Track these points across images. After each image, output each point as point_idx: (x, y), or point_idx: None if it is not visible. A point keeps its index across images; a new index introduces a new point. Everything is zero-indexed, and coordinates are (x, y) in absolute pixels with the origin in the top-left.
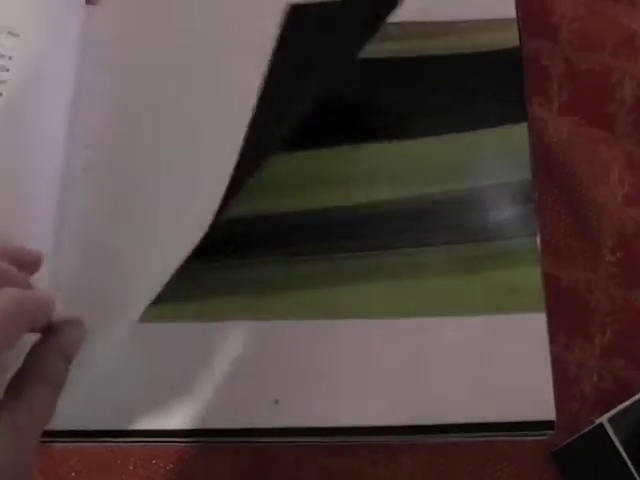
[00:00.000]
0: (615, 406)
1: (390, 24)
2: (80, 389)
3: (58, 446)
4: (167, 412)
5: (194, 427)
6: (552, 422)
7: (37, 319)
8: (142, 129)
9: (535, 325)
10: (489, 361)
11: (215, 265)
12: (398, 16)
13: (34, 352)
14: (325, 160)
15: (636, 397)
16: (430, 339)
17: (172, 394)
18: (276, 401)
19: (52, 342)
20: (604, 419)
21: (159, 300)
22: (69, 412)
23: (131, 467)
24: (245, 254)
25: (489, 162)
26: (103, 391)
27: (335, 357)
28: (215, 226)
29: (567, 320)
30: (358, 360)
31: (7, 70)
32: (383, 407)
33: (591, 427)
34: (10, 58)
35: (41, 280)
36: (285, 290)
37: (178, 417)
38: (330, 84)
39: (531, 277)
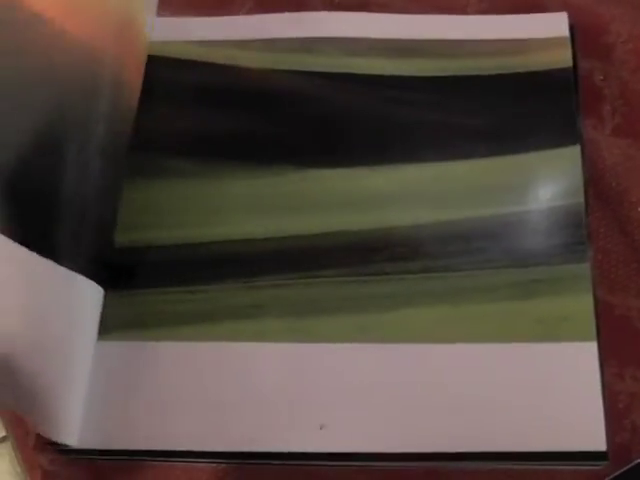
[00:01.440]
0: None
1: (439, 41)
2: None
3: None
4: (211, 434)
5: (237, 450)
6: (604, 453)
7: None
8: None
9: (586, 354)
10: (539, 389)
11: (271, 284)
12: (448, 34)
13: None
14: (381, 179)
15: None
16: (481, 366)
17: (216, 415)
18: (322, 426)
19: None
20: None
21: (214, 318)
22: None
23: None
24: (302, 272)
25: (540, 185)
26: (145, 411)
27: (384, 381)
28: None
29: (619, 348)
30: (407, 385)
31: None
32: (432, 433)
33: None
34: None
35: None
36: (336, 312)
37: (221, 439)
38: (377, 103)
39: (583, 304)
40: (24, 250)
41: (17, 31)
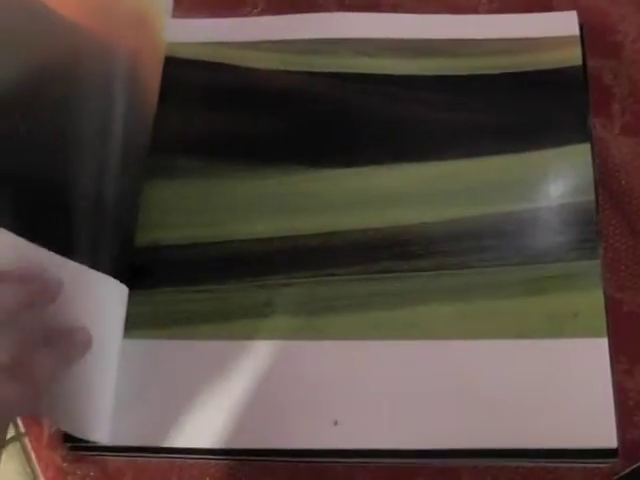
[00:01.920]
0: None
1: (450, 41)
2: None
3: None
4: (225, 431)
5: (250, 447)
6: (614, 450)
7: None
8: None
9: (597, 350)
10: (550, 386)
11: (283, 282)
12: (459, 33)
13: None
14: (392, 178)
15: None
16: (493, 362)
17: (230, 413)
18: (335, 422)
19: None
20: None
21: (228, 317)
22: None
23: None
24: (314, 270)
25: (551, 182)
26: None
27: (397, 378)
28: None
29: (629, 345)
30: (421, 381)
31: None
32: (445, 430)
33: None
34: None
35: None
36: (348, 310)
37: (235, 436)
38: (388, 102)
39: (593, 301)
40: (54, 255)
41: (30, 26)
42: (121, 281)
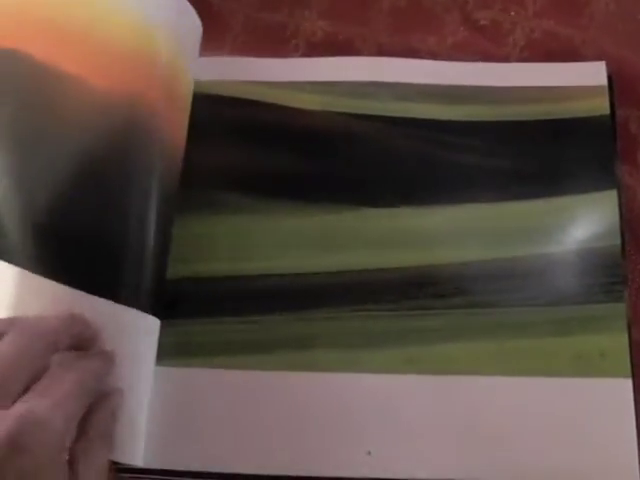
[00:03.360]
0: None
1: (483, 88)
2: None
3: None
4: (260, 458)
5: (284, 474)
6: None
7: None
8: None
9: (622, 390)
10: (574, 426)
11: (325, 316)
12: (492, 81)
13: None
14: (429, 219)
15: None
16: (520, 398)
17: (265, 440)
18: (369, 452)
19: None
20: None
21: (269, 348)
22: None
23: None
24: (349, 306)
25: (579, 227)
26: (191, 433)
27: (429, 411)
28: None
29: None
30: (451, 415)
31: None
32: (472, 462)
33: None
34: None
35: None
36: (384, 344)
37: (270, 463)
38: (426, 145)
39: (619, 342)
40: (90, 297)
41: (49, 90)
42: (154, 314)
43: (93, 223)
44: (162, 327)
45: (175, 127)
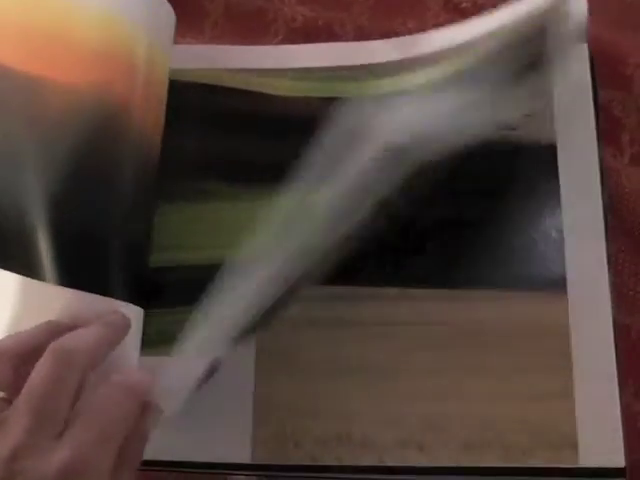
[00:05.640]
0: None
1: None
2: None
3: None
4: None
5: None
6: (622, 469)
7: None
8: None
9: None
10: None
11: None
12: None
13: None
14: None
15: None
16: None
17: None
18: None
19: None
20: None
21: None
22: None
23: None
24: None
25: None
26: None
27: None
28: None
29: (636, 369)
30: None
31: None
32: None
33: None
34: None
35: None
36: None
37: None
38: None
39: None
40: (72, 290)
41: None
42: (138, 303)
43: (72, 216)
44: (145, 316)
45: (150, 116)
